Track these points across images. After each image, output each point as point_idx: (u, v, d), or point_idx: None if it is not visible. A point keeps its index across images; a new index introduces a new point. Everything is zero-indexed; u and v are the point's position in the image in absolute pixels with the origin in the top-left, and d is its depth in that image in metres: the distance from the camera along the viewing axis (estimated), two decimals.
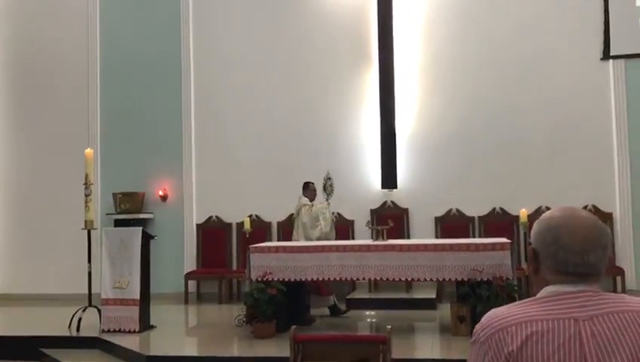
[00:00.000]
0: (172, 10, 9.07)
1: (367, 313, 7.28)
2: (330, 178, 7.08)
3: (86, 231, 6.88)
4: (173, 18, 9.06)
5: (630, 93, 7.94)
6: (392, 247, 5.89)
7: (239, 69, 8.92)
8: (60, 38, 9.38)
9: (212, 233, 8.83)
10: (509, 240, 5.94)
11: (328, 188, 6.99)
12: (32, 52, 9.49)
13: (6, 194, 9.41)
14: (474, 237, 8.03)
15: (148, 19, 9.14)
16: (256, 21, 8.89)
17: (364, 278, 5.97)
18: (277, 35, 8.82)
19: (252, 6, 8.92)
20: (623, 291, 7.40)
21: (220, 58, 9.00)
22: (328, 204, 7.05)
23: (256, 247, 6.28)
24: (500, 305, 4.97)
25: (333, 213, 7.24)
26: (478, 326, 1.48)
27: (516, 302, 1.51)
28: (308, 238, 6.90)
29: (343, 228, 8.29)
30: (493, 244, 5.79)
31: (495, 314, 1.47)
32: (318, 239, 6.78)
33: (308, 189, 7.25)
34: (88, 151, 6.81)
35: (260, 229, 8.46)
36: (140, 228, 6.43)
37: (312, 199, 7.17)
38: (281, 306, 5.95)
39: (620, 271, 7.45)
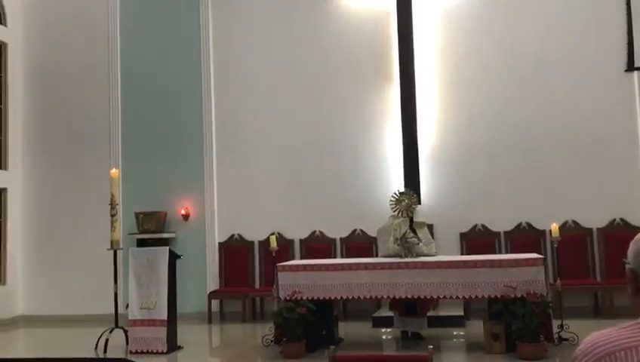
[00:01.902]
0: (192, 32, 9.12)
1: (394, 331, 7.17)
2: (403, 192, 6.43)
3: (111, 252, 6.86)
4: (193, 38, 9.10)
5: None
6: (423, 265, 5.81)
7: (260, 87, 8.93)
8: (82, 59, 9.44)
9: (234, 251, 8.78)
10: (542, 256, 5.85)
11: (401, 206, 6.30)
12: (53, 74, 9.55)
13: (28, 216, 9.41)
14: (500, 253, 7.92)
15: (168, 40, 9.18)
16: (277, 37, 8.91)
17: (394, 296, 5.86)
18: (297, 52, 8.83)
19: (272, 24, 8.95)
20: None
21: (241, 76, 9.01)
22: (409, 221, 6.25)
23: (283, 266, 6.22)
24: (536, 322, 4.82)
25: (408, 233, 6.14)
26: (578, 352, 1.41)
27: (617, 326, 1.43)
28: (380, 251, 6.54)
29: (367, 245, 8.21)
30: (526, 260, 5.70)
31: (598, 339, 1.39)
32: (385, 256, 6.26)
33: None
34: (114, 171, 6.81)
35: (282, 247, 8.38)
36: (167, 248, 6.40)
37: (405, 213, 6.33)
38: (311, 326, 5.87)
39: None
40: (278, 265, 6.26)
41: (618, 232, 7.72)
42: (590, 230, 7.87)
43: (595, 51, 8.04)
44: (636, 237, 1.48)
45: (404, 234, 6.06)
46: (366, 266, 5.92)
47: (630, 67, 7.95)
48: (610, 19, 8.02)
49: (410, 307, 6.43)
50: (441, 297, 5.83)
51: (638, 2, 7.95)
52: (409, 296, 5.82)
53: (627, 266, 1.47)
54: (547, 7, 8.21)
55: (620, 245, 7.39)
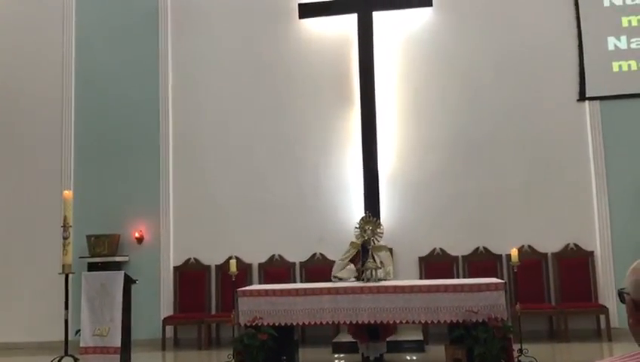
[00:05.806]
0: (151, 50, 8.97)
1: (355, 357, 7.08)
2: (369, 220, 6.40)
3: (59, 276, 6.56)
4: (151, 57, 8.95)
5: (606, 133, 8.11)
6: (386, 289, 5.77)
7: (219, 109, 8.83)
8: (35, 77, 9.15)
9: (190, 276, 8.56)
10: (503, 281, 5.91)
11: (366, 234, 6.32)
12: (3, 92, 9.20)
13: None
14: (458, 277, 7.99)
15: (126, 59, 9.00)
16: (238, 60, 8.85)
17: (357, 321, 5.80)
18: (259, 75, 8.78)
19: (233, 46, 8.89)
20: (608, 330, 7.42)
21: (200, 97, 8.89)
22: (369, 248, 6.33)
23: (244, 291, 6.07)
24: (498, 347, 4.82)
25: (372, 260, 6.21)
26: None
27: (618, 355, 1.41)
28: (334, 271, 6.52)
29: (327, 269, 8.10)
30: (488, 285, 5.73)
31: None
32: (337, 276, 6.38)
33: None
34: (67, 193, 6.54)
35: (240, 271, 8.20)
36: (122, 272, 6.17)
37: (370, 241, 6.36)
38: (272, 352, 5.75)
39: (604, 310, 7.47)
40: (238, 290, 6.11)
41: (572, 257, 7.90)
42: (545, 255, 8.02)
43: (549, 81, 8.29)
44: (633, 266, 1.47)
45: (364, 261, 6.05)
46: (329, 291, 5.84)
47: (582, 97, 8.21)
48: (564, 51, 8.29)
49: (372, 332, 6.38)
50: (404, 322, 5.79)
51: (588, 35, 8.26)
52: (372, 321, 5.76)
53: (626, 296, 1.45)
54: (502, 37, 8.44)
55: (574, 269, 7.58)
